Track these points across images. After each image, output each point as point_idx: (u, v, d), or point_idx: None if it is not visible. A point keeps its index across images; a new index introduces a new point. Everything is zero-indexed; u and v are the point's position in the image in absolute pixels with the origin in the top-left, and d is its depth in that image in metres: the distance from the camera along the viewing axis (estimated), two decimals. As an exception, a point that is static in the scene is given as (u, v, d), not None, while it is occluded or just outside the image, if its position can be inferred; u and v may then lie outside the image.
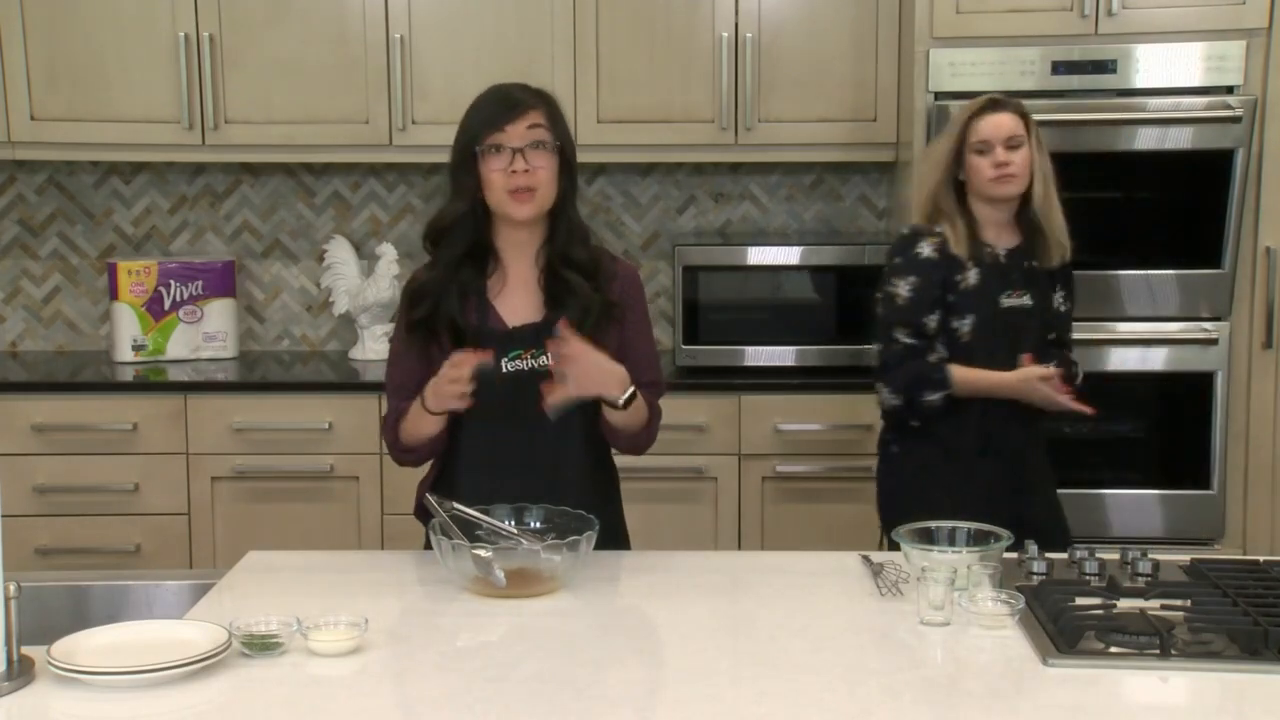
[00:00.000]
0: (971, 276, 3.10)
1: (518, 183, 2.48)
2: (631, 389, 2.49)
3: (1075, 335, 3.48)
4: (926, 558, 2.30)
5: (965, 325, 3.10)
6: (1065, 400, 3.06)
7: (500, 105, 2.51)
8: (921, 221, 3.17)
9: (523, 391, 2.50)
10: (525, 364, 2.54)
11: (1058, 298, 3.19)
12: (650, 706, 1.93)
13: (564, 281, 2.55)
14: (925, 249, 3.12)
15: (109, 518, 3.98)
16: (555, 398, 2.44)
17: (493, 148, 2.48)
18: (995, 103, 3.12)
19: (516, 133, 2.48)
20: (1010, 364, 3.07)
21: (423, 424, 2.54)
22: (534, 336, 2.55)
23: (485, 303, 2.57)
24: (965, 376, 3.08)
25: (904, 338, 3.12)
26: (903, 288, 3.12)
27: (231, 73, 4.11)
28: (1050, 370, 3.05)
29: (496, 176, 2.48)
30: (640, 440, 2.63)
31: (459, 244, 2.55)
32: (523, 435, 2.54)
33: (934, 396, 3.08)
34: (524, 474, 2.54)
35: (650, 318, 2.72)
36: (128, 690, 1.91)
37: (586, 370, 2.44)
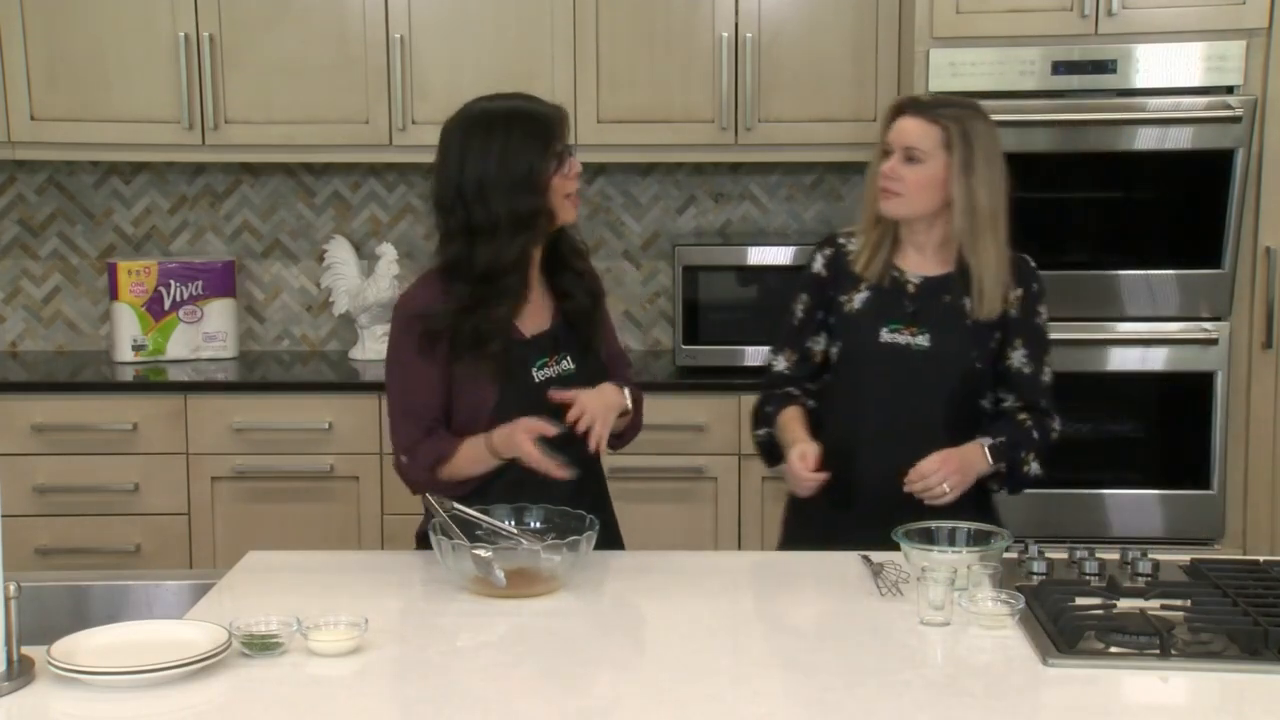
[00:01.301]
0: (857, 300, 2.70)
1: (575, 186, 2.50)
2: (628, 390, 2.56)
3: (1074, 336, 3.46)
4: (926, 558, 2.30)
5: (834, 354, 2.73)
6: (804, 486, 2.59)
7: (548, 119, 2.49)
8: (861, 224, 2.76)
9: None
10: (553, 370, 2.57)
11: (1017, 355, 2.67)
12: (650, 706, 1.93)
13: (569, 270, 2.59)
14: (817, 261, 2.76)
15: (109, 518, 3.98)
16: (598, 437, 2.47)
17: (558, 158, 2.48)
18: (917, 104, 2.66)
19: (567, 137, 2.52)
20: (895, 409, 2.65)
21: (479, 464, 2.51)
22: (552, 343, 2.58)
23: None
24: (783, 422, 2.70)
25: (777, 363, 2.79)
26: (797, 305, 2.77)
27: (231, 73, 4.11)
28: (807, 458, 2.57)
29: (559, 181, 2.48)
30: (636, 425, 2.70)
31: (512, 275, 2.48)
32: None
33: (760, 432, 2.80)
34: (525, 475, 2.53)
35: None
36: (128, 690, 1.91)
37: (597, 406, 2.48)
